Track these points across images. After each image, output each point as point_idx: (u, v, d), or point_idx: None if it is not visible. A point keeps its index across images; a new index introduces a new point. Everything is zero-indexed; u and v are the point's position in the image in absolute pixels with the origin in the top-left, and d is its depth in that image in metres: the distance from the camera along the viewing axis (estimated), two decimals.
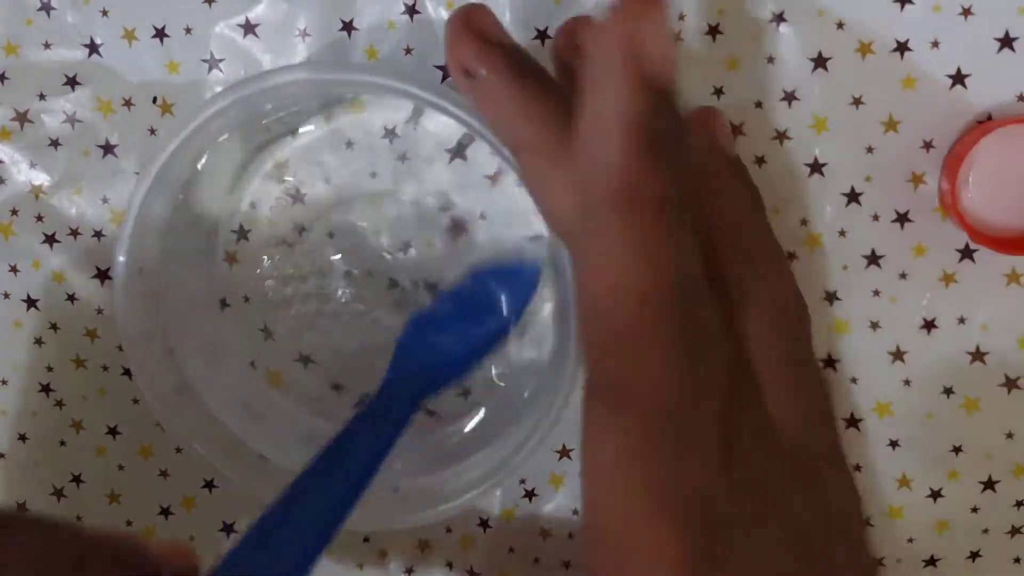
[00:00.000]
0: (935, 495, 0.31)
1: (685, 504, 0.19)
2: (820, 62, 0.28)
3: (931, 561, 0.31)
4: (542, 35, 0.29)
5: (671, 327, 0.19)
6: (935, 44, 0.27)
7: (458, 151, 0.29)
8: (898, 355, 0.30)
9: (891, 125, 0.28)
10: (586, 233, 0.19)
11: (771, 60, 0.28)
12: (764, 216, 0.27)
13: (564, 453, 0.32)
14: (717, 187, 0.26)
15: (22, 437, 0.34)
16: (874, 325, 0.30)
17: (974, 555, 0.31)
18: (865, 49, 0.28)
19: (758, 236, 0.26)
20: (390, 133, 0.29)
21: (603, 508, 0.20)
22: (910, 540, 0.31)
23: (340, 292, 0.30)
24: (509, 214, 0.29)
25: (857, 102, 0.28)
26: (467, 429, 0.30)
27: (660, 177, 0.18)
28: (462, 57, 0.21)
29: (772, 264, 0.26)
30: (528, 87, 0.21)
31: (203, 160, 0.28)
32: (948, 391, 0.30)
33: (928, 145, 0.28)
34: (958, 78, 0.28)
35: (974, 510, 0.31)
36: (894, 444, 0.30)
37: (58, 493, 0.34)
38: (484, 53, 0.21)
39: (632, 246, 0.18)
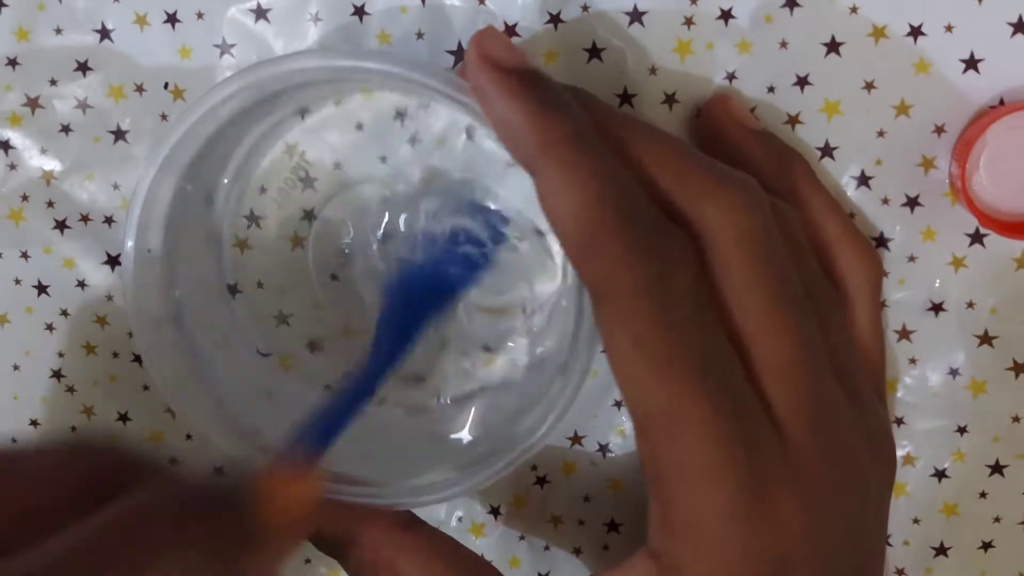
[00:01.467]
0: (940, 475, 0.31)
1: (701, 362, 0.22)
2: (833, 46, 0.28)
3: (941, 549, 0.32)
4: (555, 19, 0.29)
5: (624, 218, 0.22)
6: (949, 28, 0.27)
7: (470, 135, 0.29)
8: (904, 334, 0.30)
9: (903, 109, 0.28)
10: (535, 186, 0.23)
11: (784, 45, 0.28)
12: (806, 172, 0.28)
13: (575, 440, 0.32)
14: (749, 158, 0.27)
15: (33, 423, 0.34)
16: (881, 304, 0.30)
17: (986, 545, 0.31)
18: (878, 33, 0.28)
19: (808, 192, 0.28)
20: (400, 115, 0.29)
21: (640, 395, 0.22)
22: (916, 521, 0.31)
23: (351, 275, 0.30)
24: (522, 197, 0.29)
25: (869, 86, 0.28)
26: (487, 419, 0.30)
27: (561, 120, 0.22)
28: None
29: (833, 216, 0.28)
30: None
31: (213, 145, 0.28)
32: (954, 372, 0.30)
33: (939, 129, 0.28)
34: (971, 63, 0.28)
35: (983, 495, 0.31)
36: (899, 421, 0.31)
37: None
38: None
39: (565, 173, 0.22)
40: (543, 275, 0.29)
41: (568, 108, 0.23)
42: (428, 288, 0.28)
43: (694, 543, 0.22)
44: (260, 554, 0.19)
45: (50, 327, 0.33)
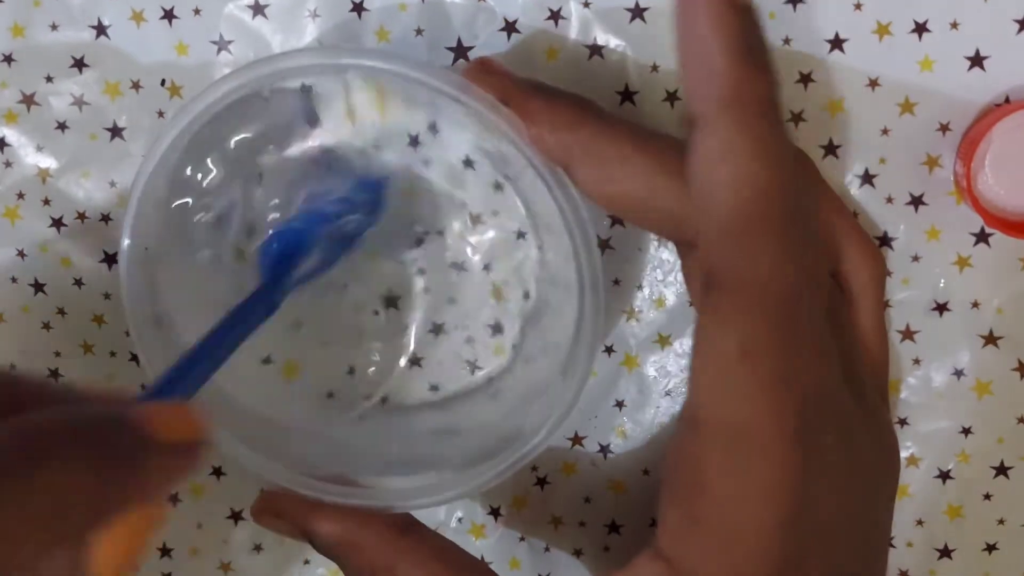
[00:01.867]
0: (944, 476, 0.31)
1: (803, 398, 0.21)
2: (836, 43, 0.28)
3: (945, 551, 0.31)
4: (555, 16, 0.28)
5: (788, 216, 0.20)
6: (954, 25, 0.27)
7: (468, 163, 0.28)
8: (908, 334, 0.30)
9: (907, 107, 0.28)
10: (699, 137, 0.20)
11: (787, 41, 0.28)
12: (810, 170, 0.27)
13: (576, 441, 0.32)
14: None
15: None
16: (885, 304, 0.29)
17: (990, 547, 0.31)
18: (883, 30, 0.28)
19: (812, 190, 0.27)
20: (414, 140, 0.29)
21: (721, 402, 0.21)
22: (920, 522, 0.31)
23: (356, 278, 0.30)
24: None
25: (873, 84, 0.28)
26: (481, 417, 0.30)
27: (759, 81, 0.20)
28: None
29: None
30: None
31: (212, 142, 0.28)
32: (959, 373, 0.30)
33: (944, 128, 0.28)
34: (976, 60, 0.27)
35: (987, 497, 0.31)
36: (902, 422, 0.31)
37: None
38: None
39: (746, 141, 0.20)
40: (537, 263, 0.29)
41: (770, 69, 0.20)
42: (303, 243, 0.28)
43: (726, 559, 0.22)
44: (145, 469, 0.19)
45: (47, 326, 0.33)
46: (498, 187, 0.28)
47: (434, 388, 0.31)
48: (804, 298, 0.20)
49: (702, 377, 0.21)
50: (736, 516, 0.21)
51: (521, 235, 0.29)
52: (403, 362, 0.31)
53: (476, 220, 0.29)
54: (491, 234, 0.29)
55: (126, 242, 0.27)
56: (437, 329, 0.30)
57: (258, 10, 0.29)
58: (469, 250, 0.29)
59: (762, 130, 0.20)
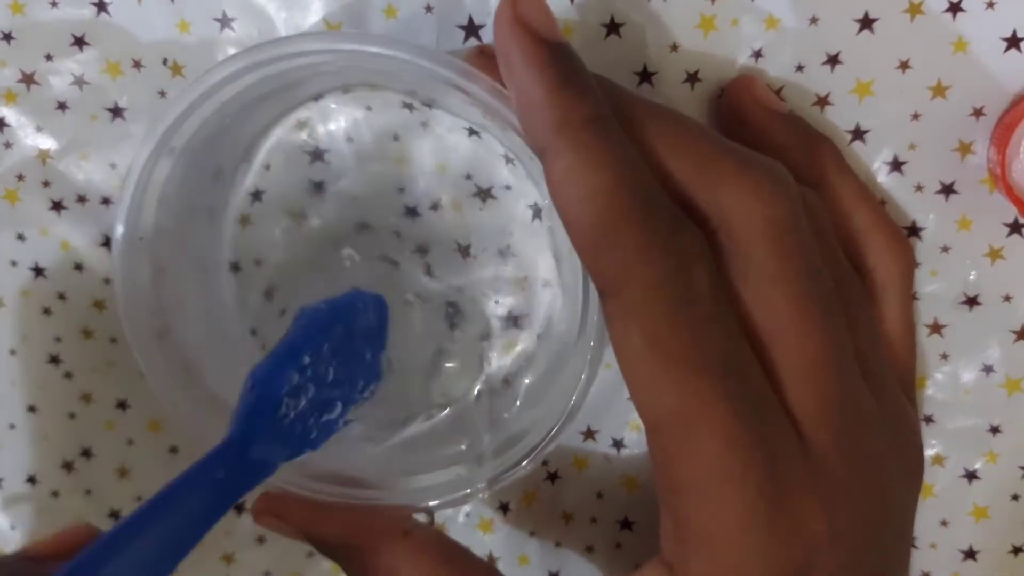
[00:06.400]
0: (970, 476, 0.30)
1: (719, 362, 0.21)
2: (866, 23, 0.27)
3: (970, 553, 0.30)
4: None
5: (641, 208, 0.21)
6: (990, 4, 0.26)
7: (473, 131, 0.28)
8: (935, 328, 0.29)
9: (939, 91, 0.27)
10: (546, 166, 0.22)
11: (814, 21, 0.27)
12: (835, 157, 0.27)
13: (589, 435, 0.31)
14: (774, 143, 0.26)
15: (31, 408, 0.33)
16: (913, 297, 0.29)
17: (1017, 549, 0.30)
18: (915, 10, 0.26)
19: (836, 178, 0.27)
20: (408, 106, 0.28)
21: (652, 397, 0.21)
22: (944, 523, 0.30)
23: (349, 257, 0.29)
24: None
25: (904, 66, 0.27)
26: (492, 415, 0.29)
27: (583, 101, 0.22)
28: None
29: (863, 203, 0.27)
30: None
31: (216, 124, 0.27)
32: (988, 369, 0.29)
33: (978, 112, 0.27)
34: (1013, 41, 0.26)
35: (1015, 498, 0.30)
36: (928, 420, 0.30)
37: (68, 466, 0.33)
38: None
39: (581, 156, 0.21)
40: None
41: (591, 90, 0.22)
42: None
43: (711, 554, 0.21)
44: None
45: (47, 311, 0.32)
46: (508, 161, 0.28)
47: (445, 393, 0.30)
48: (682, 272, 0.21)
49: (630, 381, 0.22)
50: (710, 510, 0.21)
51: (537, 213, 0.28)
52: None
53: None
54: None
55: (120, 228, 0.26)
56: (453, 324, 0.29)
57: None
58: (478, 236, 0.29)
59: (596, 144, 0.21)
